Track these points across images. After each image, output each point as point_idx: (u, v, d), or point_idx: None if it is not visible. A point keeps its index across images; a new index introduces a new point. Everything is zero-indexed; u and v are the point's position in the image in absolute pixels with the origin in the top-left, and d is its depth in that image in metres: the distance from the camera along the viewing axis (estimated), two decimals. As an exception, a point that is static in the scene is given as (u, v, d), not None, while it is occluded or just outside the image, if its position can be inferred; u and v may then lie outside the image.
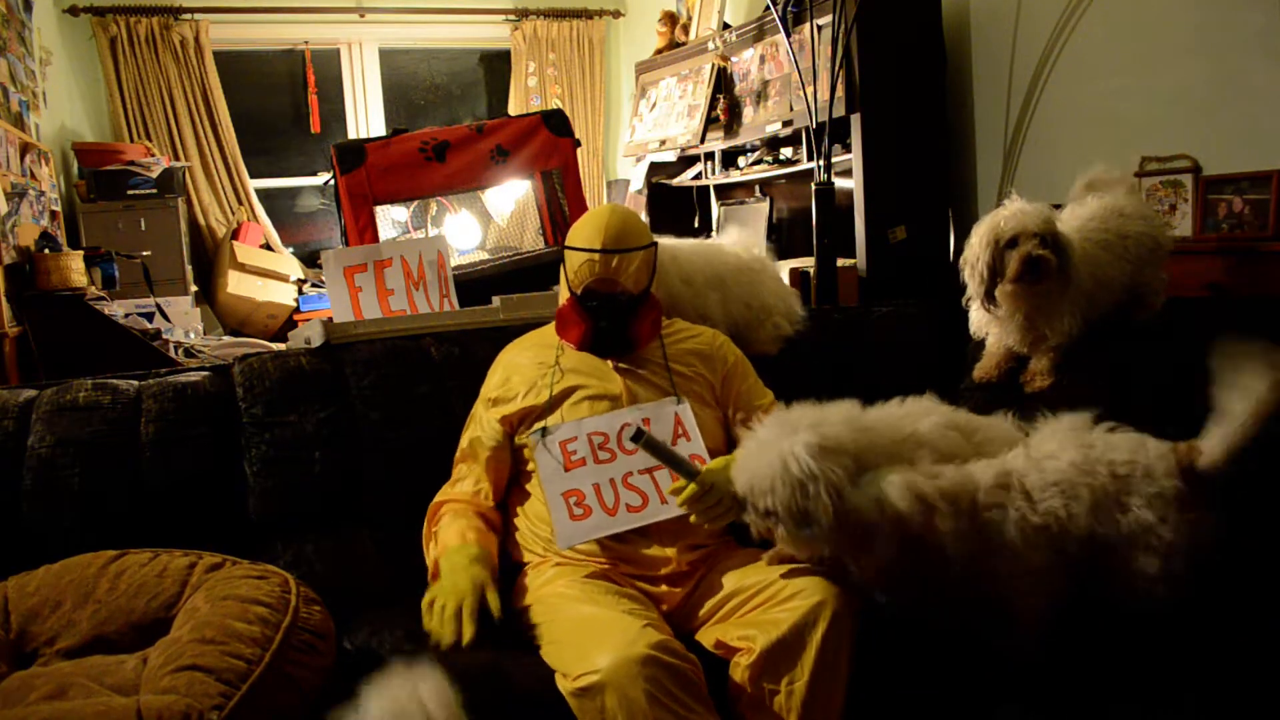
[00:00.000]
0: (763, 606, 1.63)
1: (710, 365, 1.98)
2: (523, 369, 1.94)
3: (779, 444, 1.57)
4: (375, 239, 3.35)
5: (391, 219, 4.51)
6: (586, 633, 1.57)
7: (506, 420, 1.90)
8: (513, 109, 6.11)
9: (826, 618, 1.57)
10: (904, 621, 1.76)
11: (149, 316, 4.15)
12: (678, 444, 1.83)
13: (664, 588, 1.76)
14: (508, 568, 1.87)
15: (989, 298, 2.09)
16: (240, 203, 5.53)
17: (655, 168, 5.03)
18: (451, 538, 1.78)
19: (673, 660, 1.50)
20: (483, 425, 1.93)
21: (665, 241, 2.29)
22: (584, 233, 1.88)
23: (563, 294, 1.97)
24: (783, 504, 1.54)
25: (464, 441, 1.96)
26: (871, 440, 1.66)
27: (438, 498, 1.92)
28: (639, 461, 1.79)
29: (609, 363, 1.92)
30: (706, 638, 1.69)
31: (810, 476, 1.52)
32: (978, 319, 2.22)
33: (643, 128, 5.07)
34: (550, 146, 3.61)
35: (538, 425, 1.85)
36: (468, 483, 1.90)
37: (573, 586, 1.71)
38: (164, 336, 3.93)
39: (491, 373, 2.00)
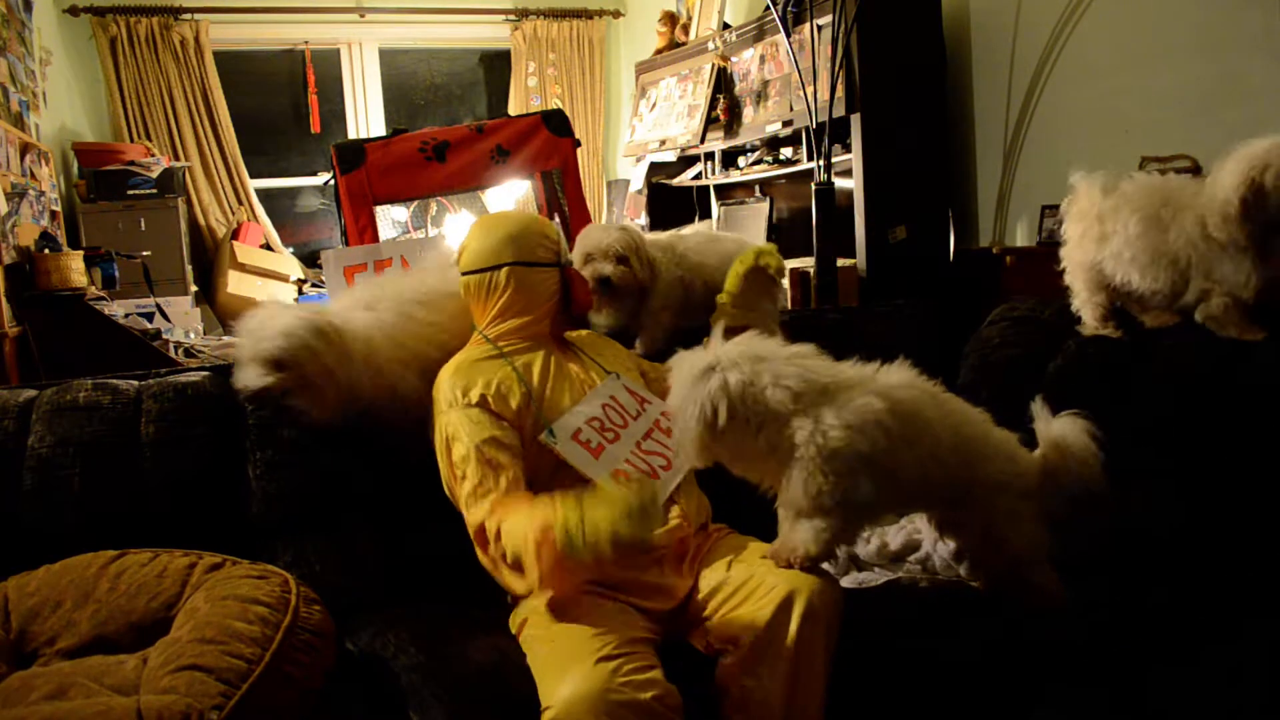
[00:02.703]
0: (744, 603, 1.63)
1: (616, 352, 2.07)
2: (483, 373, 1.83)
3: (702, 367, 1.63)
4: (375, 239, 3.36)
5: (391, 219, 4.53)
6: (551, 660, 1.54)
7: (503, 411, 1.79)
8: (513, 109, 6.11)
9: (800, 610, 1.55)
10: (899, 623, 1.76)
11: (149, 316, 4.15)
12: (646, 409, 1.91)
13: (658, 601, 1.73)
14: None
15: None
16: (240, 203, 5.53)
17: (655, 168, 5.03)
18: (543, 505, 1.59)
19: (632, 694, 1.44)
20: (483, 424, 1.75)
21: None
22: (521, 215, 2.01)
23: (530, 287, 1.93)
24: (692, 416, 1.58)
25: (464, 454, 1.74)
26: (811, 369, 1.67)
27: (476, 519, 1.71)
28: (636, 431, 1.86)
29: (552, 356, 1.92)
30: (698, 640, 1.69)
31: (719, 403, 1.57)
32: None
33: (643, 128, 5.07)
34: (550, 146, 3.61)
35: (543, 429, 1.78)
36: (499, 488, 1.70)
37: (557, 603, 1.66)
38: (164, 336, 3.94)
39: (443, 391, 1.82)
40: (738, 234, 2.24)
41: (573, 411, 1.83)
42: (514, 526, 1.61)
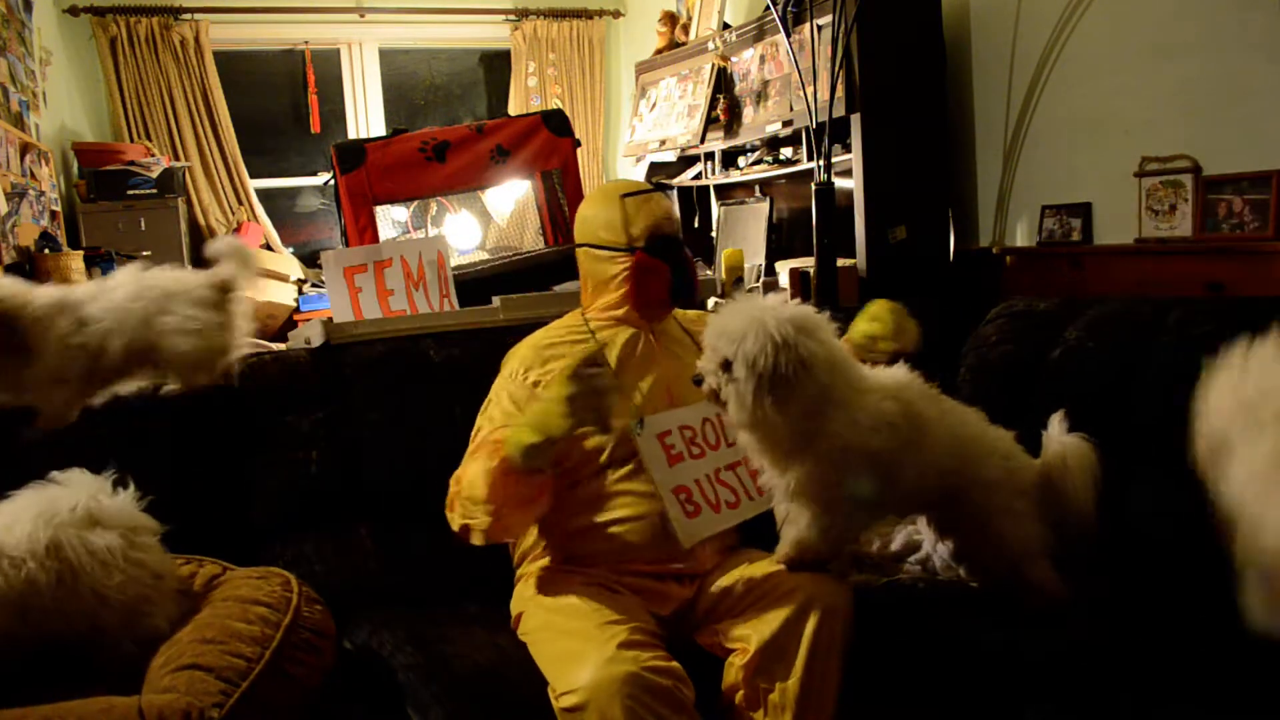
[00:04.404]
0: (756, 605, 1.63)
1: None
2: (562, 354, 1.79)
3: (760, 307, 1.59)
4: (375, 239, 3.36)
5: (391, 219, 4.51)
6: (568, 648, 1.54)
7: None
8: (513, 109, 6.10)
9: (816, 615, 1.56)
10: (906, 622, 1.76)
11: (149, 316, 4.14)
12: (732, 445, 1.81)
13: (656, 604, 1.73)
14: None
15: None
16: (240, 203, 5.52)
17: (655, 168, 5.03)
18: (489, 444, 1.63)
19: (654, 678, 1.46)
20: (517, 415, 1.71)
21: None
22: (620, 188, 1.84)
23: (604, 272, 1.83)
24: (746, 355, 1.53)
25: (484, 422, 1.76)
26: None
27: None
28: (725, 457, 1.79)
29: (642, 338, 1.84)
30: (705, 639, 1.69)
31: (784, 339, 1.53)
32: None
33: (643, 128, 5.07)
34: (550, 146, 3.61)
35: (634, 417, 1.75)
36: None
37: (566, 595, 1.66)
38: (164, 336, 3.92)
39: (513, 362, 1.83)
40: (181, 275, 2.04)
41: (672, 412, 1.79)
42: (475, 466, 1.62)
